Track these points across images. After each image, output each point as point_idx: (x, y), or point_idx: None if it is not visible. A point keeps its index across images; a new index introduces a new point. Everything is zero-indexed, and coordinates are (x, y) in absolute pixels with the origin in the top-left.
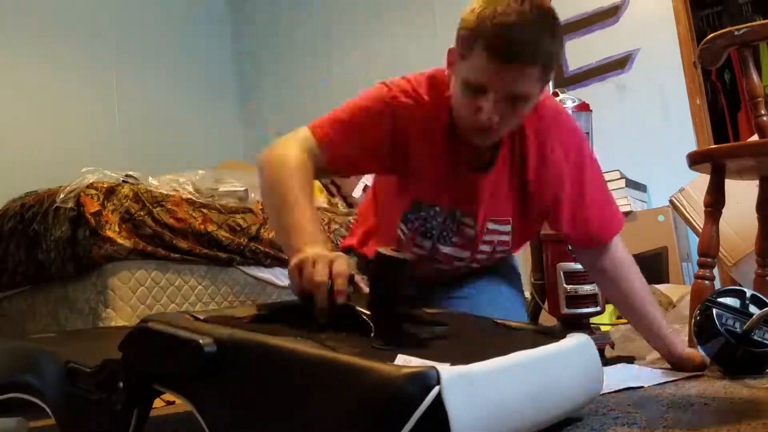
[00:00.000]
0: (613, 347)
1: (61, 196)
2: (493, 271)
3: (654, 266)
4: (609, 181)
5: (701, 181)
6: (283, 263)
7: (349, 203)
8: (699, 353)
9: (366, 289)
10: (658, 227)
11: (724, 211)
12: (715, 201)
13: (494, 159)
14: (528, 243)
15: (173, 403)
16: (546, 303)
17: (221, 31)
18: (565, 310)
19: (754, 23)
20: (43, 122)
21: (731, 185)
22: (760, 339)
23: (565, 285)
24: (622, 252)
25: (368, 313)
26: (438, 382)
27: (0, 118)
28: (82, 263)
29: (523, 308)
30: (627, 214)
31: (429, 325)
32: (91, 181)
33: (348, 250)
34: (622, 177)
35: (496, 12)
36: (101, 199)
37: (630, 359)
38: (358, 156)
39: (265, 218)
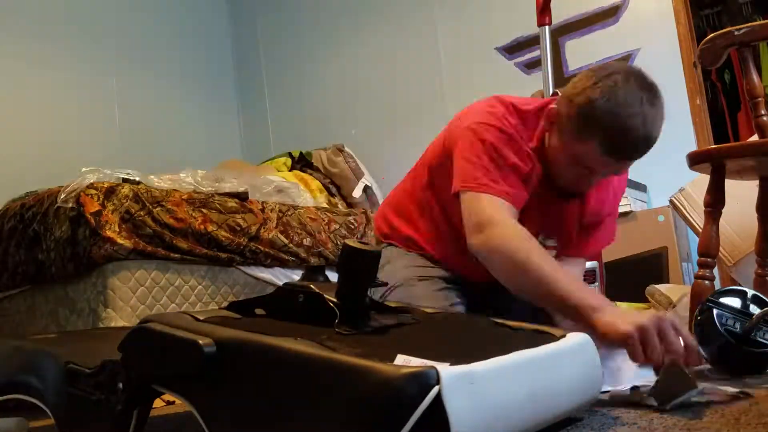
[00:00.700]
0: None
1: (62, 196)
2: None
3: (654, 266)
4: None
5: (701, 181)
6: (282, 263)
7: (349, 203)
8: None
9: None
10: (658, 227)
11: (724, 211)
12: (715, 201)
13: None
14: None
15: (173, 403)
16: None
17: (221, 32)
18: None
19: (754, 23)
20: (43, 122)
21: (731, 185)
22: (760, 339)
23: None
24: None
25: (335, 300)
26: (438, 382)
27: (0, 118)
28: (82, 263)
29: None
30: (627, 214)
31: (394, 313)
32: (91, 181)
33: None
34: None
35: (618, 106)
36: (101, 199)
37: None
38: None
39: (266, 218)
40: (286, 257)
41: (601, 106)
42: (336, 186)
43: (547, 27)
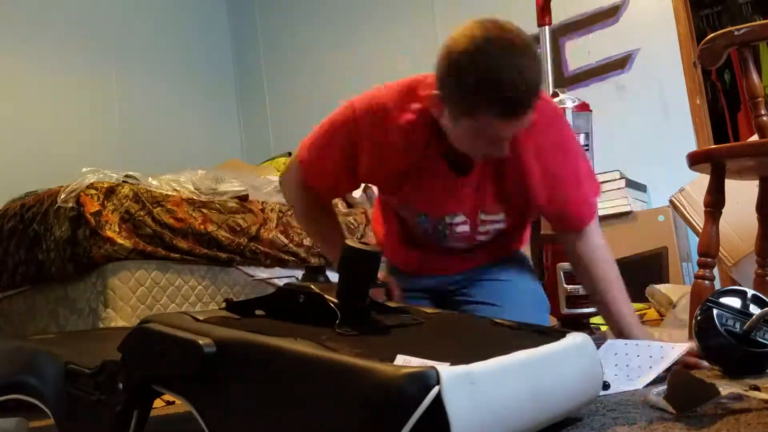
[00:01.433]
0: None
1: (62, 196)
2: (509, 264)
3: (654, 266)
4: (609, 181)
5: (701, 181)
6: (282, 263)
7: (349, 203)
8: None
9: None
10: (658, 227)
11: (724, 211)
12: (715, 201)
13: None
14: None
15: (173, 403)
16: None
17: (221, 31)
18: (565, 310)
19: (754, 23)
20: (43, 122)
21: (731, 185)
22: (760, 339)
23: (565, 285)
24: (598, 239)
25: (336, 301)
26: (438, 382)
27: (0, 118)
28: (82, 263)
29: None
30: (627, 214)
31: (395, 313)
32: (91, 181)
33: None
34: (622, 177)
35: (486, 73)
36: (101, 199)
37: None
38: (337, 175)
39: (266, 218)
40: (286, 257)
41: (472, 77)
42: None
43: (547, 27)
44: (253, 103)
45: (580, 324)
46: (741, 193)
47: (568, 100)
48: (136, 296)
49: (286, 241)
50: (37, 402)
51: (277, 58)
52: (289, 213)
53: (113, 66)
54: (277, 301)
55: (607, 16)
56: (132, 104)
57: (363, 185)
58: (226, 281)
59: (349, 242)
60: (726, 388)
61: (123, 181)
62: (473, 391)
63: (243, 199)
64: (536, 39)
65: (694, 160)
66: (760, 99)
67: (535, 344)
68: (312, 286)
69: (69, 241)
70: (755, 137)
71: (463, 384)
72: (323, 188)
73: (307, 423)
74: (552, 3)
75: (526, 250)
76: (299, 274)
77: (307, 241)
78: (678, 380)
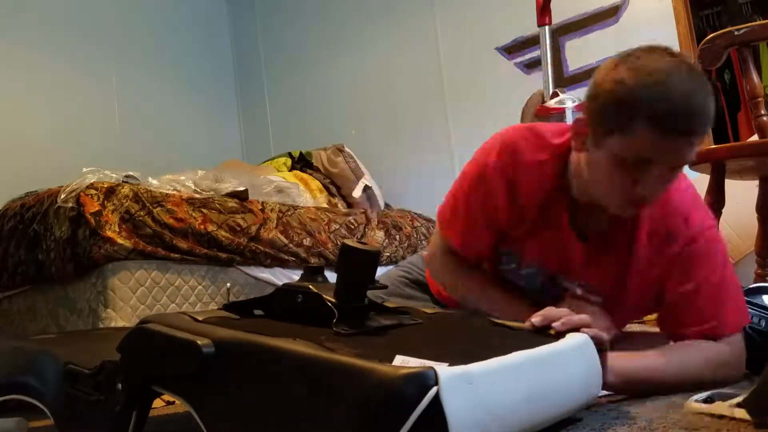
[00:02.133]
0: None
1: (62, 196)
2: None
3: None
4: None
5: (701, 181)
6: (282, 263)
7: (349, 203)
8: None
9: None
10: None
11: (724, 211)
12: (715, 201)
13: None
14: None
15: (173, 403)
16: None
17: (221, 31)
18: None
19: (754, 23)
20: (42, 122)
21: (731, 185)
22: None
23: None
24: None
25: (334, 300)
26: (436, 383)
27: (0, 118)
28: (82, 263)
29: None
30: None
31: (393, 313)
32: (91, 181)
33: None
34: None
35: (652, 78)
36: (101, 199)
37: None
38: (489, 242)
39: (266, 218)
40: (286, 257)
41: (628, 82)
42: (336, 186)
43: (547, 27)
44: (253, 103)
45: None
46: (741, 193)
47: (568, 100)
48: (136, 296)
49: (286, 241)
50: (36, 402)
51: (277, 58)
52: (289, 213)
53: (113, 66)
54: (276, 301)
55: (607, 16)
56: (132, 104)
57: (363, 185)
58: (226, 281)
59: (347, 242)
60: None
61: (123, 181)
62: (472, 392)
63: (243, 198)
64: (536, 39)
65: (694, 160)
66: (760, 99)
67: (534, 344)
68: (310, 286)
69: (69, 241)
70: (755, 137)
71: (462, 384)
72: (481, 256)
73: (305, 423)
74: (552, 3)
75: None
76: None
77: (307, 241)
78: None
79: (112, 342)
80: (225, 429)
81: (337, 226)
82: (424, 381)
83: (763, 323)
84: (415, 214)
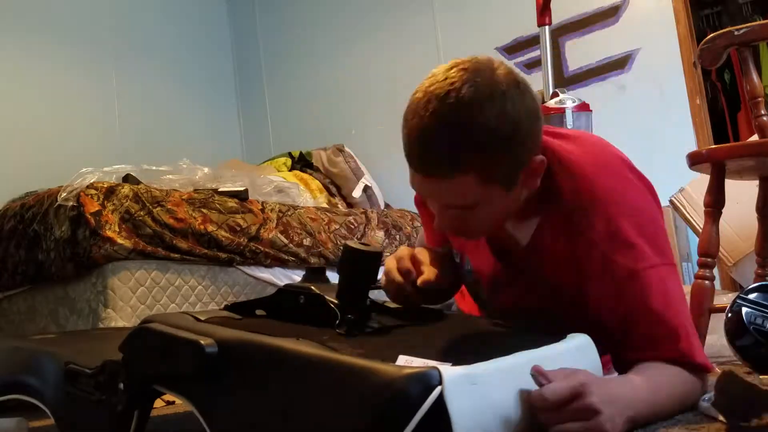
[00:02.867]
0: None
1: (63, 194)
2: None
3: None
4: None
5: (701, 181)
6: (282, 263)
7: (349, 203)
8: None
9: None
10: None
11: (724, 211)
12: (715, 201)
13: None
14: None
15: (173, 403)
16: None
17: (221, 31)
18: None
19: (754, 23)
20: (42, 122)
21: (731, 185)
22: None
23: None
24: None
25: (336, 301)
26: (440, 383)
27: (0, 118)
28: (82, 263)
29: None
30: None
31: (395, 314)
32: (91, 181)
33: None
34: None
35: (408, 112)
36: (101, 199)
37: None
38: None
39: (266, 218)
40: (286, 257)
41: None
42: (336, 186)
43: (547, 27)
44: (253, 103)
45: None
46: (741, 193)
47: (568, 100)
48: (136, 296)
49: (286, 241)
50: (37, 402)
51: (277, 58)
52: (289, 213)
53: (113, 66)
54: (278, 302)
55: (607, 16)
56: (132, 104)
57: (363, 186)
58: (226, 281)
59: (349, 243)
60: None
61: (123, 181)
62: (475, 392)
63: (243, 198)
64: (536, 39)
65: (694, 160)
66: (760, 99)
67: (536, 345)
68: (312, 287)
69: (69, 241)
70: (755, 137)
71: (466, 384)
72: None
73: (309, 423)
74: (552, 3)
75: None
76: (299, 274)
77: (307, 241)
78: (726, 384)
79: (113, 342)
80: (228, 429)
81: (337, 226)
82: (428, 381)
83: (767, 324)
84: (415, 214)
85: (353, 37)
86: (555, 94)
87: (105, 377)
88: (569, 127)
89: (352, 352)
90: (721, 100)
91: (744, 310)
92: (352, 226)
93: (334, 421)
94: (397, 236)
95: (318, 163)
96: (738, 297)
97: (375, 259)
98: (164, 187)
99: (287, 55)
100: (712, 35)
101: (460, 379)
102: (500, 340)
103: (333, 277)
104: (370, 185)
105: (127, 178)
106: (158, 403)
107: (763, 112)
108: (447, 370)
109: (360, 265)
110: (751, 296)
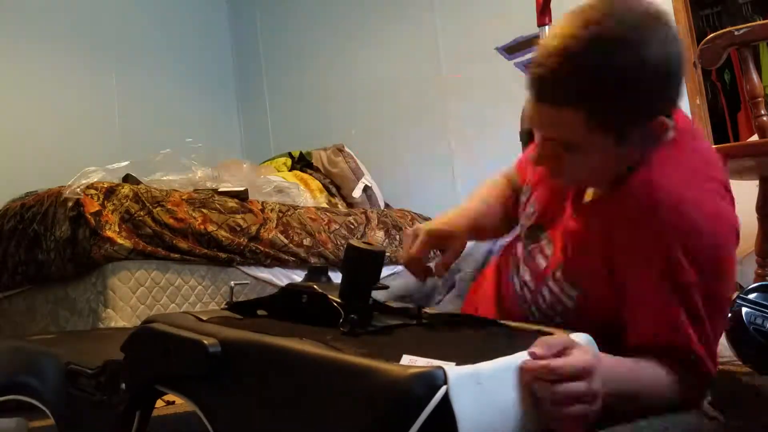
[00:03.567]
0: None
1: (69, 190)
2: None
3: None
4: None
5: None
6: (283, 263)
7: (349, 203)
8: None
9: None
10: None
11: None
12: None
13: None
14: None
15: (173, 403)
16: None
17: (221, 32)
18: None
19: (754, 23)
20: (43, 122)
21: (731, 185)
22: None
23: None
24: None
25: (339, 300)
26: (445, 382)
27: (0, 118)
28: (82, 263)
29: None
30: None
31: (398, 313)
32: (91, 181)
33: None
34: None
35: (550, 30)
36: (101, 199)
37: None
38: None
39: (266, 218)
40: (286, 257)
41: None
42: (336, 186)
43: (547, 27)
44: (253, 103)
45: None
46: (741, 193)
47: None
48: (136, 296)
49: (286, 241)
50: (37, 402)
51: (277, 58)
52: (290, 213)
53: (113, 66)
54: (280, 302)
55: None
56: (132, 104)
57: (363, 185)
58: (226, 281)
59: (352, 242)
60: None
61: (123, 181)
62: (480, 391)
63: (243, 198)
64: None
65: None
66: (760, 99)
67: None
68: (315, 286)
69: (69, 241)
70: (755, 137)
71: (471, 384)
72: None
73: (313, 423)
74: (552, 3)
75: None
76: (299, 274)
77: (307, 241)
78: (726, 384)
79: (113, 342)
80: (231, 429)
81: (337, 226)
82: (434, 380)
83: (767, 324)
84: (415, 214)
85: (353, 37)
86: None
87: (106, 377)
88: None
89: (355, 352)
90: (721, 100)
91: (744, 310)
92: (352, 226)
93: (337, 421)
94: (397, 236)
95: (318, 163)
96: (738, 297)
97: (378, 258)
98: (164, 187)
99: (287, 55)
100: (712, 35)
101: (466, 378)
102: (503, 340)
103: (333, 277)
104: (370, 185)
105: (127, 178)
106: (158, 403)
107: (763, 112)
108: (452, 369)
109: (363, 263)
110: (751, 296)
